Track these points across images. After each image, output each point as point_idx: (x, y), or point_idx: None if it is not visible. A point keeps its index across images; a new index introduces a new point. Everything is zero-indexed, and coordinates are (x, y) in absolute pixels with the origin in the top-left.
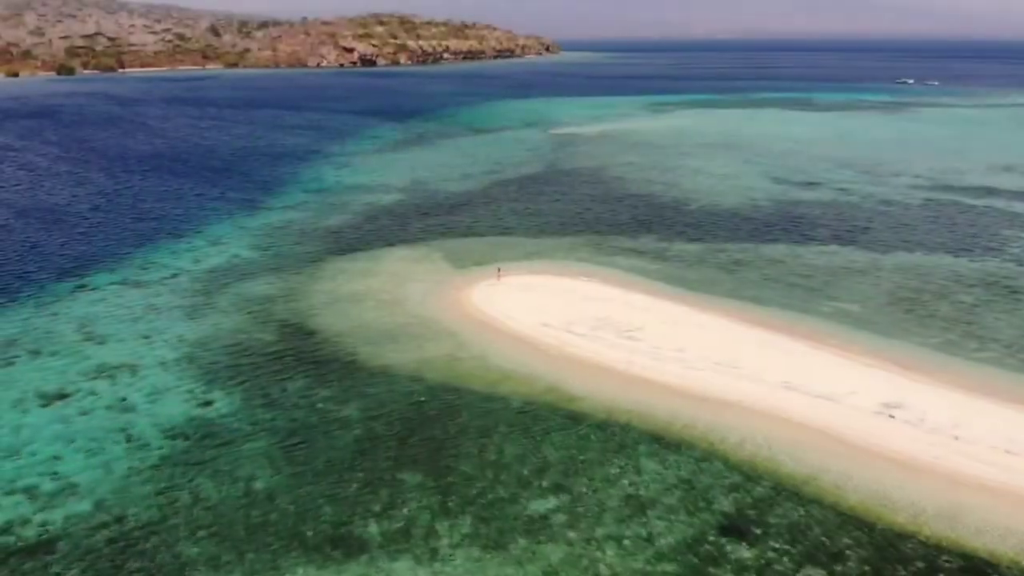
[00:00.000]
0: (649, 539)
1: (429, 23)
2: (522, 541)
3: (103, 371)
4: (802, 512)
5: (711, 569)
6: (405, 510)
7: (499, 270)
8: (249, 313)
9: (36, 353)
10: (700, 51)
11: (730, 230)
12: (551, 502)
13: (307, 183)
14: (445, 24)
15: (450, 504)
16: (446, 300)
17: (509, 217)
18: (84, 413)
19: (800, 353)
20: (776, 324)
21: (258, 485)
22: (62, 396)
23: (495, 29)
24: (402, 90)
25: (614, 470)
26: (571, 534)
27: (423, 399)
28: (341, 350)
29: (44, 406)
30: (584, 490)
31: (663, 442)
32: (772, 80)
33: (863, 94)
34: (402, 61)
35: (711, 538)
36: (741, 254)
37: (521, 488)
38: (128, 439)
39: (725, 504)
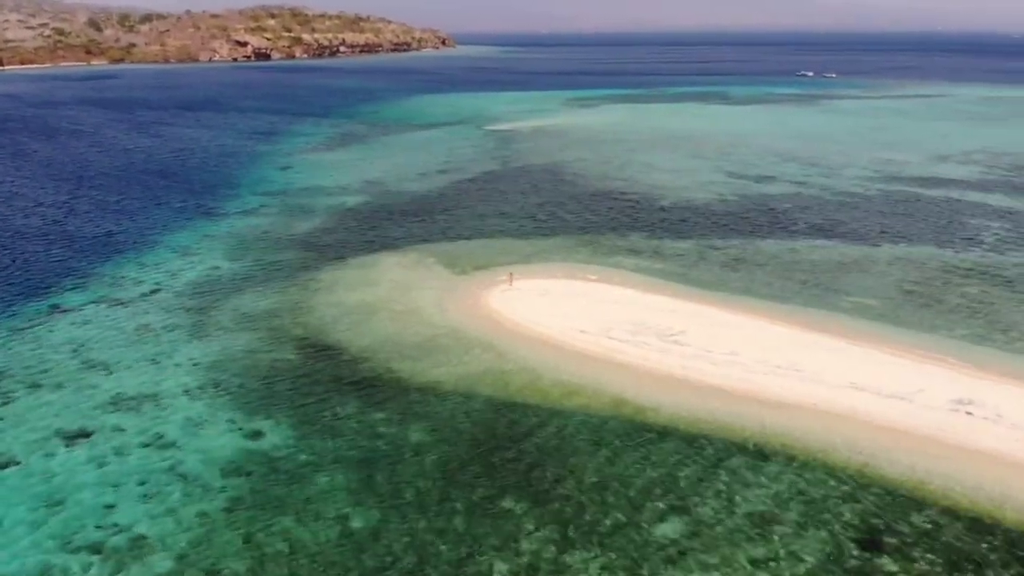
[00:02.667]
0: (795, 557)
1: (322, 16)
2: (666, 571)
3: (121, 403)
4: (925, 518)
5: None
6: (525, 543)
7: (510, 275)
8: (257, 330)
9: (36, 386)
10: (593, 46)
11: (713, 226)
12: (675, 525)
13: (255, 186)
14: (339, 17)
15: (571, 534)
16: (464, 308)
17: (488, 219)
18: (120, 453)
19: (848, 352)
20: (806, 322)
21: (355, 524)
22: (85, 434)
23: (390, 22)
24: (311, 85)
25: (721, 486)
26: (711, 559)
27: (490, 418)
28: (377, 367)
29: (69, 447)
30: (702, 510)
31: (758, 453)
32: (680, 76)
33: (771, 87)
34: (298, 55)
35: (853, 552)
36: (736, 250)
37: (636, 511)
38: (183, 480)
39: (848, 515)
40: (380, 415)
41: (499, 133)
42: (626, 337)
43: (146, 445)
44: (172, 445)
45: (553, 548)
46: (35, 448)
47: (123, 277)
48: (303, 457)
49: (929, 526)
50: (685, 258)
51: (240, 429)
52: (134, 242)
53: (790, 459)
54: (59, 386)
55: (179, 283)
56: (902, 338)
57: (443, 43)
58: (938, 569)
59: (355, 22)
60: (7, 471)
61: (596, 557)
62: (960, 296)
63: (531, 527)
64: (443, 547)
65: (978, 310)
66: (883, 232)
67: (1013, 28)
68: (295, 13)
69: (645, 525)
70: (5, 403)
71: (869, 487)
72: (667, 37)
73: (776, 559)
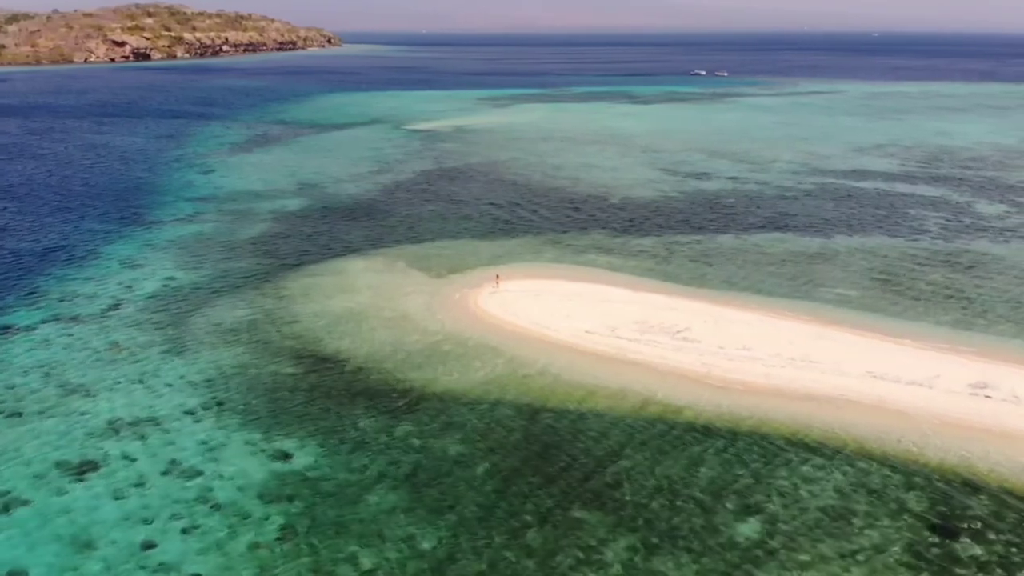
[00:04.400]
0: (879, 550)
1: (202, 14)
2: (761, 572)
3: (121, 429)
4: (985, 500)
5: (959, 570)
6: (610, 554)
7: (497, 277)
8: (243, 344)
9: (16, 415)
10: (480, 45)
11: (670, 222)
12: (753, 525)
13: (182, 191)
14: (219, 15)
15: (653, 540)
16: (457, 312)
17: (446, 220)
18: (139, 484)
19: (852, 342)
20: (801, 314)
21: (426, 545)
22: (92, 466)
23: (272, 20)
24: (209, 86)
25: (782, 483)
26: (801, 556)
27: (524, 424)
28: (388, 377)
29: (79, 480)
30: (773, 508)
31: (805, 447)
32: (579, 75)
33: (672, 86)
34: (179, 55)
35: (931, 539)
36: (701, 245)
37: (708, 513)
38: (219, 510)
39: (912, 503)
40: (410, 427)
41: (421, 133)
42: (635, 336)
43: (165, 473)
44: (194, 472)
45: (639, 557)
46: (40, 484)
47: (72, 292)
48: (343, 476)
49: (992, 508)
50: (655, 254)
51: (263, 450)
52: (72, 255)
53: (836, 451)
54: (43, 414)
55: (137, 296)
56: (895, 327)
57: (329, 42)
58: (1014, 550)
59: (237, 20)
60: (19, 512)
61: (687, 564)
62: (928, 284)
63: (610, 536)
64: (528, 563)
65: (951, 296)
66: (833, 224)
67: (871, 27)
68: (173, 11)
69: (723, 527)
70: None
71: (920, 474)
72: (549, 38)
73: (862, 551)
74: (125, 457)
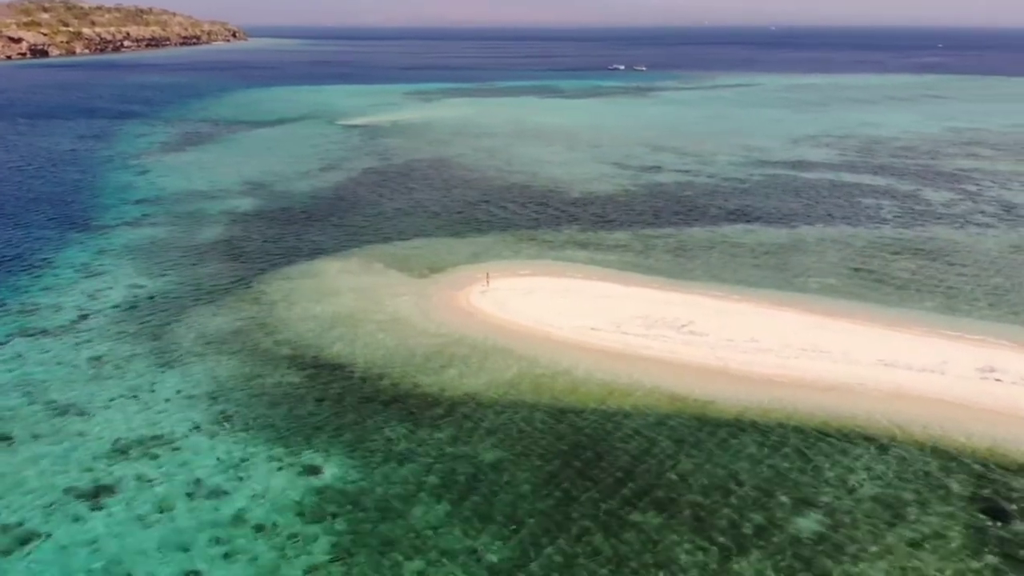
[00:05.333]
0: (940, 536)
1: (100, 8)
2: (833, 565)
3: (128, 449)
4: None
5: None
6: (683, 556)
7: (487, 275)
8: (235, 353)
9: (7, 440)
10: (387, 39)
11: (636, 216)
12: (812, 519)
13: (122, 193)
14: (119, 9)
15: (720, 540)
16: (452, 312)
17: (411, 217)
18: (164, 508)
19: (855, 331)
20: (795, 304)
21: (491, 558)
22: (108, 491)
23: (175, 14)
24: (121, 83)
25: (829, 474)
26: (868, 548)
27: (553, 426)
28: (400, 383)
29: (96, 508)
30: (827, 499)
31: (841, 437)
32: (501, 70)
33: (595, 80)
34: (78, 51)
35: (987, 523)
36: (673, 239)
37: (765, 509)
38: (261, 531)
39: (959, 488)
40: (437, 434)
41: (358, 128)
42: (641, 331)
43: (190, 495)
44: (221, 492)
45: (712, 559)
46: (54, 514)
47: (33, 304)
48: (381, 489)
49: None
50: (632, 249)
51: (289, 465)
52: (23, 264)
53: (870, 440)
54: (37, 437)
55: (104, 306)
56: (889, 315)
57: (234, 36)
58: None
59: (138, 14)
60: (40, 547)
61: (760, 563)
62: (903, 271)
63: (677, 539)
64: (603, 573)
65: (927, 283)
66: (795, 215)
67: (769, 22)
68: (70, 6)
69: (784, 523)
70: None
71: (955, 458)
72: (459, 33)
73: (925, 539)
74: (141, 479)
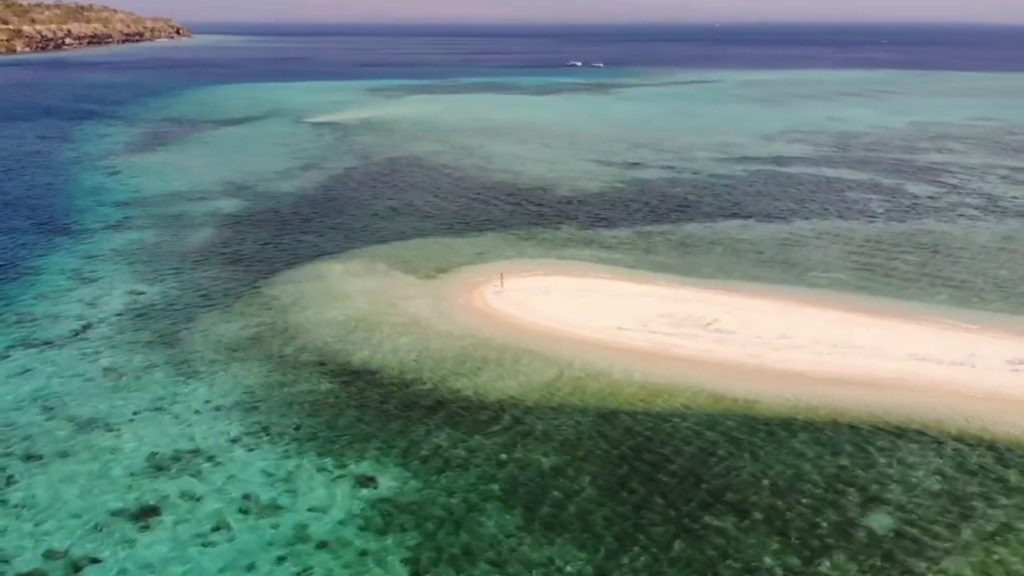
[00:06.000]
0: (1011, 528)
1: (39, 5)
2: (916, 562)
3: (167, 465)
4: None
5: None
6: (769, 559)
7: (501, 275)
8: (256, 360)
9: (34, 459)
10: (339, 36)
11: (630, 213)
12: (885, 517)
13: (97, 195)
14: (59, 6)
15: (799, 542)
16: (470, 314)
17: (402, 219)
18: (219, 527)
19: (880, 326)
20: (813, 300)
21: (572, 569)
22: (154, 510)
23: (116, 11)
24: (66, 82)
25: (890, 471)
26: (944, 544)
27: (604, 430)
28: (436, 388)
29: (145, 528)
30: (894, 496)
31: (893, 433)
32: (457, 67)
33: (555, 77)
34: (19, 49)
35: None
36: (674, 236)
37: (836, 509)
38: (327, 547)
39: (1019, 480)
40: (487, 440)
41: (327, 126)
42: (669, 330)
43: (244, 512)
44: (277, 507)
45: (799, 561)
46: (102, 537)
47: (29, 313)
48: (443, 499)
49: None
50: (635, 246)
51: (341, 476)
52: (9, 271)
53: (922, 435)
54: (67, 455)
55: (107, 314)
56: (905, 308)
57: (178, 33)
58: None
59: (79, 11)
60: (92, 574)
61: (845, 564)
62: (907, 264)
63: (758, 543)
64: None
65: (935, 277)
66: (787, 210)
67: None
68: (8, 3)
69: (858, 522)
70: (13, 485)
71: (1010, 451)
72: (409, 28)
73: (998, 532)
74: (188, 497)
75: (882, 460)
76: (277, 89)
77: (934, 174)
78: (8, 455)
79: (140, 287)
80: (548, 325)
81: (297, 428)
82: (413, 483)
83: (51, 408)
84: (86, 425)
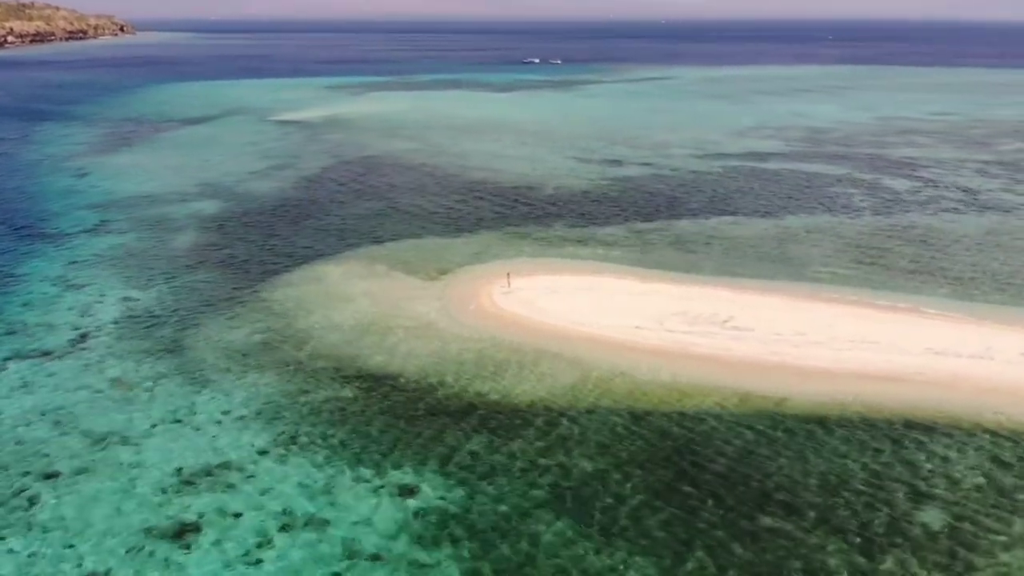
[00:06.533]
0: None
1: None
2: (975, 557)
3: (196, 480)
4: None
5: None
6: (831, 560)
7: (508, 275)
8: (270, 368)
9: (54, 476)
10: (286, 32)
11: (619, 210)
12: (936, 513)
13: (69, 198)
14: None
15: (857, 541)
16: (481, 315)
17: (390, 219)
18: (262, 543)
19: (888, 320)
20: (820, 295)
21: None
22: (192, 527)
23: (58, 8)
24: (17, 82)
25: (930, 466)
26: (999, 538)
27: (637, 431)
28: (460, 393)
29: (186, 547)
30: (942, 493)
31: (926, 428)
32: (415, 63)
33: (516, 74)
34: None
35: None
36: (668, 233)
37: (888, 505)
38: (381, 561)
39: None
40: (524, 445)
41: (293, 124)
42: (686, 328)
43: (286, 528)
44: (320, 521)
45: (862, 559)
46: (140, 559)
47: (20, 323)
48: (490, 507)
49: None
50: (631, 244)
51: (381, 487)
52: None
53: (953, 429)
54: (86, 472)
55: (103, 323)
56: (911, 302)
57: (122, 30)
58: None
59: (20, 9)
60: None
61: (908, 561)
62: (902, 258)
63: (817, 543)
64: None
65: (932, 270)
66: (773, 205)
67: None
68: None
69: (911, 519)
70: (37, 506)
71: None
72: (358, 25)
73: None
74: (224, 513)
75: (920, 456)
76: (235, 87)
77: (909, 168)
78: (25, 474)
79: (132, 293)
80: (562, 325)
81: (325, 437)
82: (456, 492)
83: (60, 423)
84: (102, 440)
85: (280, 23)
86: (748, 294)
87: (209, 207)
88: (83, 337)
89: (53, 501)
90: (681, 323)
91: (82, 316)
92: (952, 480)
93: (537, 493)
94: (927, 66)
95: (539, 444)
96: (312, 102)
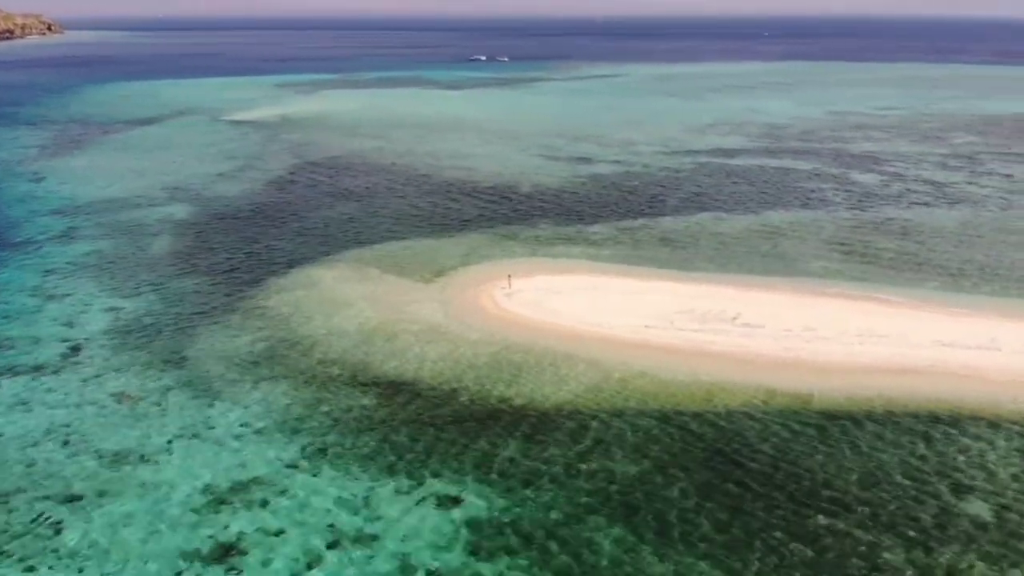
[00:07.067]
0: None
1: None
2: None
3: (228, 499)
4: None
5: None
6: (891, 557)
7: (509, 276)
8: (280, 377)
9: (76, 499)
10: (223, 30)
11: (603, 210)
12: (980, 505)
13: (30, 204)
14: None
15: (911, 535)
16: (487, 317)
17: (372, 220)
18: (313, 563)
19: (892, 314)
20: (821, 290)
21: None
22: (234, 550)
23: None
24: None
25: (961, 458)
26: None
27: (672, 432)
28: (483, 398)
29: (232, 570)
30: (980, 484)
31: (952, 421)
32: (360, 60)
33: (465, 71)
34: None
35: None
36: (654, 230)
37: (933, 498)
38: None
39: None
40: (559, 450)
41: (248, 124)
42: (696, 326)
43: (334, 546)
44: (367, 537)
45: (920, 554)
46: None
47: (6, 338)
48: (539, 515)
49: None
50: (620, 241)
51: (423, 498)
52: None
53: (977, 419)
54: (109, 494)
55: (93, 334)
56: (909, 295)
57: (49, 29)
58: None
59: None
60: None
61: (966, 555)
62: (885, 251)
63: (871, 538)
64: None
65: (918, 263)
66: (750, 201)
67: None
68: None
69: (958, 511)
70: (64, 532)
71: None
72: (293, 22)
73: None
74: (265, 532)
75: (952, 448)
76: (179, 86)
77: (873, 163)
78: (43, 498)
79: (118, 302)
80: (571, 325)
81: (354, 448)
82: (501, 501)
83: (70, 442)
84: (119, 458)
85: (215, 22)
86: (750, 291)
87: (180, 211)
88: (75, 350)
89: (81, 526)
90: (690, 321)
91: (69, 328)
92: (988, 471)
93: (585, 499)
94: (865, 61)
95: (576, 448)
96: (263, 101)
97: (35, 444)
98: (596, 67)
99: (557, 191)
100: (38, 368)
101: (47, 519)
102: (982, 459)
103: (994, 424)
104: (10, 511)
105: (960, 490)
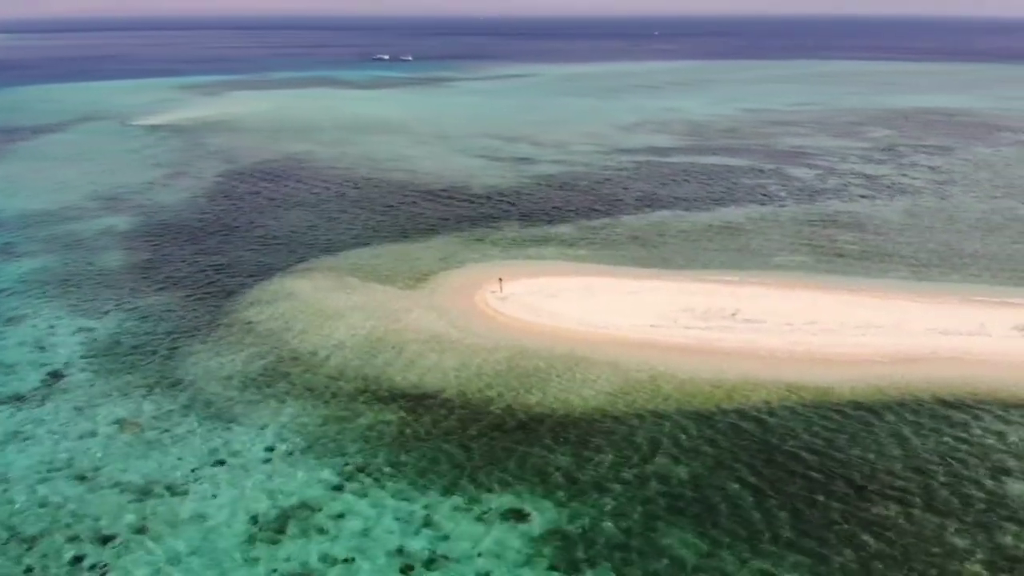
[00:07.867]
0: None
1: None
2: None
3: (282, 528)
4: None
5: None
6: (956, 540)
7: (500, 280)
8: (291, 396)
9: (109, 539)
10: (109, 31)
11: (561, 211)
12: (1021, 486)
13: None
14: None
15: (969, 519)
16: (489, 323)
17: (329, 226)
18: None
19: (880, 306)
20: (804, 283)
21: None
22: None
23: None
24: None
25: (990, 441)
26: None
27: (709, 431)
28: (515, 407)
29: None
30: (1013, 465)
31: (970, 406)
32: (264, 59)
33: (374, 71)
34: None
35: None
36: (618, 230)
37: (977, 484)
38: None
39: None
40: (605, 457)
41: (164, 129)
42: (700, 324)
43: (407, 570)
44: (440, 559)
45: (984, 538)
46: None
47: None
48: (607, 525)
49: None
50: (591, 241)
51: (485, 514)
52: None
53: (988, 402)
54: (147, 532)
55: (71, 358)
56: (887, 286)
57: None
58: None
59: None
60: None
61: (1021, 533)
62: (848, 244)
63: (934, 525)
64: (900, 573)
65: (879, 253)
66: (699, 199)
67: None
68: None
69: (1007, 496)
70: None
71: None
72: (176, 22)
73: None
74: (333, 562)
75: (976, 431)
76: (78, 90)
77: (802, 158)
78: (73, 539)
79: (87, 323)
80: (575, 328)
81: (395, 465)
82: (566, 512)
83: (84, 477)
84: (144, 492)
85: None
86: (741, 287)
87: (121, 223)
88: (55, 376)
89: (128, 568)
90: (694, 319)
91: (41, 352)
92: (1017, 453)
93: (648, 505)
94: (765, 59)
95: (622, 454)
96: (170, 104)
97: (44, 480)
98: (505, 67)
99: (511, 192)
100: (20, 398)
101: (83, 562)
102: (1009, 442)
103: (1007, 406)
104: (43, 555)
105: (999, 473)
